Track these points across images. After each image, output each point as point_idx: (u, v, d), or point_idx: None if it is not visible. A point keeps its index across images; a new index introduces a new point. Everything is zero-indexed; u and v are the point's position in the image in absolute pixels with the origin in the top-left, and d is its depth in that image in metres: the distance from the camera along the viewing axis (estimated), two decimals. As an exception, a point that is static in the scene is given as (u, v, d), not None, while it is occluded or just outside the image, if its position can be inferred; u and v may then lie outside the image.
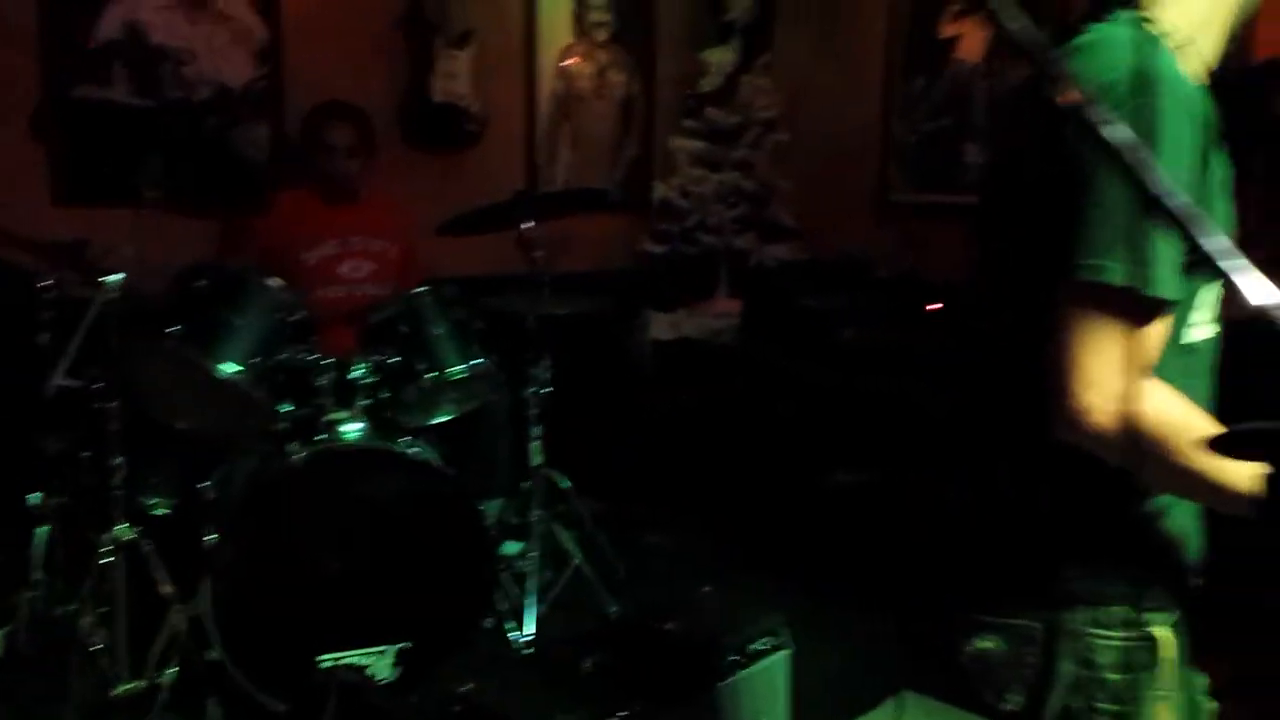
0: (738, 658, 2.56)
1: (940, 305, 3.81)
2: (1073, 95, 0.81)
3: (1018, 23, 0.86)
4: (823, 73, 5.42)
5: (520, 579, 3.36)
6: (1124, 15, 1.43)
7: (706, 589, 2.91)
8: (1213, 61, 1.50)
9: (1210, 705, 1.61)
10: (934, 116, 4.83)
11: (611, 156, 5.23)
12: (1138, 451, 1.29)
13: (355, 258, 3.73)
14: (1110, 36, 1.42)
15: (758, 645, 2.59)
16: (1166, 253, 1.29)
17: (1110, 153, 1.04)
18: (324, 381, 3.01)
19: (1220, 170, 1.40)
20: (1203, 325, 1.46)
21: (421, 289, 3.15)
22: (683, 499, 4.46)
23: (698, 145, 5.06)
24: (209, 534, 2.94)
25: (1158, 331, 1.32)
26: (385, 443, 3.01)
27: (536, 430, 3.47)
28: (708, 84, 5.15)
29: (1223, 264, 0.75)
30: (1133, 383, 1.26)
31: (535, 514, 3.39)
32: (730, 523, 4.17)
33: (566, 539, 3.53)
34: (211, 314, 2.87)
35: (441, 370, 3.07)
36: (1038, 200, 1.39)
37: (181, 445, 3.26)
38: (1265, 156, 3.86)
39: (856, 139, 5.12)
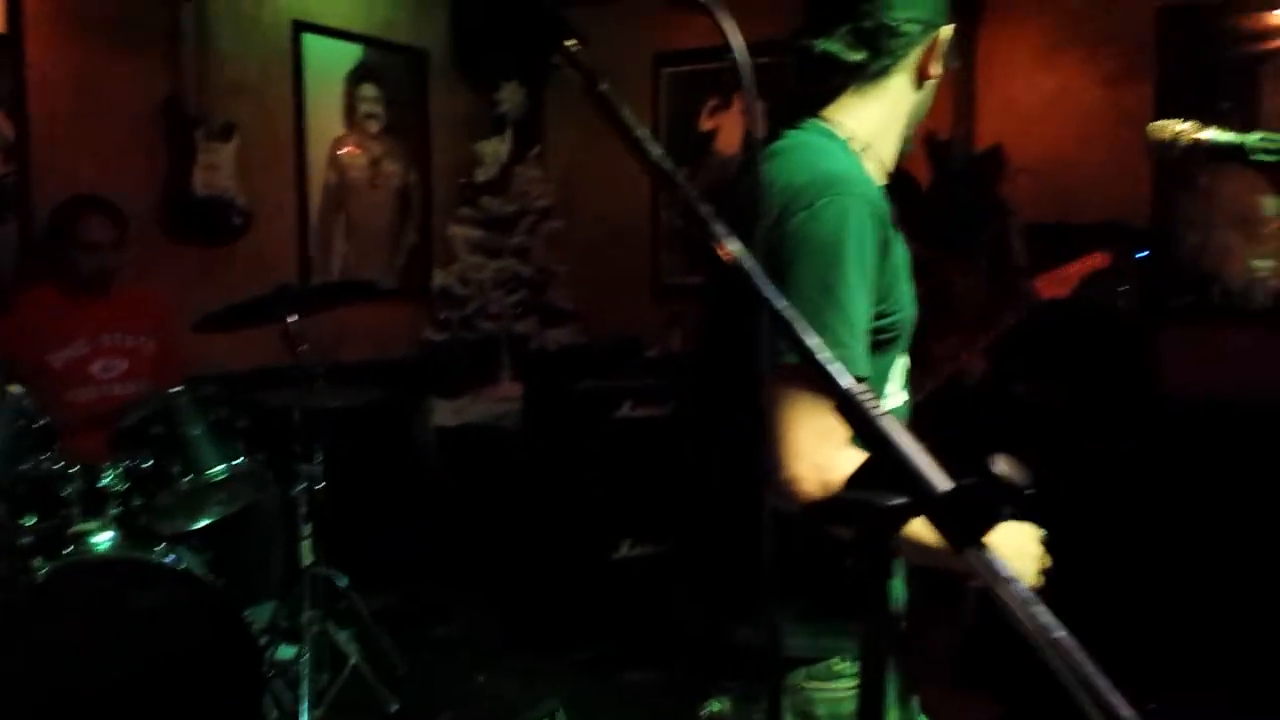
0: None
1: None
2: (726, 252, 0.89)
3: (657, 151, 0.93)
4: (593, 163, 5.59)
5: (295, 684, 3.22)
6: (813, 123, 1.58)
7: (481, 678, 2.87)
8: (892, 162, 1.65)
9: None
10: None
11: (390, 245, 5.21)
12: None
13: (107, 356, 3.56)
14: (802, 142, 1.56)
15: (536, 730, 2.58)
16: (858, 333, 1.41)
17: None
18: (70, 490, 2.85)
19: (901, 254, 1.54)
20: (896, 395, 1.59)
21: (176, 388, 3.04)
22: (472, 586, 4.41)
23: (475, 233, 5.12)
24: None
25: None
26: (139, 552, 2.86)
27: (307, 529, 3.37)
28: (483, 174, 5.23)
29: (820, 359, 0.83)
30: (835, 452, 1.36)
31: (307, 615, 3.28)
32: (519, 606, 4.15)
33: (343, 639, 3.42)
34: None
35: (199, 472, 2.96)
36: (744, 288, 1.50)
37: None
38: (990, 229, 4.23)
39: (629, 225, 5.30)
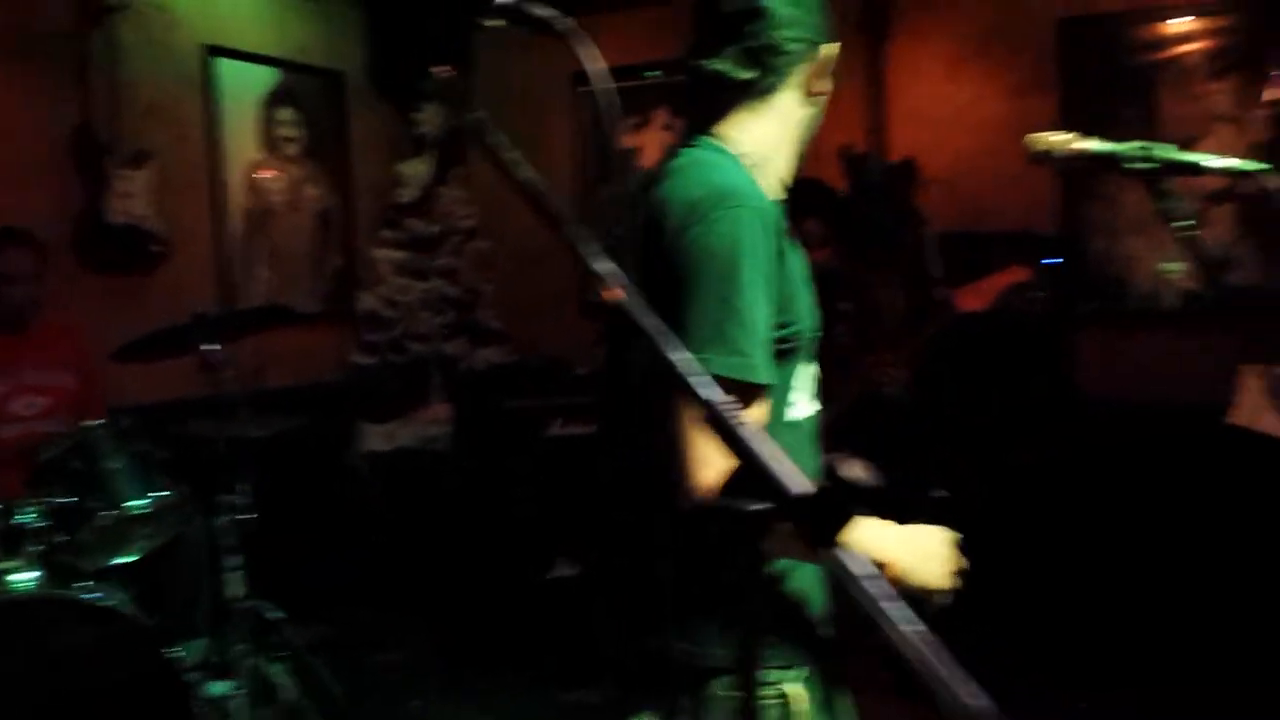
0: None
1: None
2: (612, 294, 0.92)
3: (527, 173, 0.96)
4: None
5: (227, 720, 3.17)
6: (706, 140, 1.62)
7: (416, 704, 2.86)
8: (785, 176, 1.70)
9: None
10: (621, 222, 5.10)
11: (313, 269, 5.16)
12: None
13: (28, 394, 3.47)
14: (696, 159, 1.60)
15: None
16: (759, 342, 1.45)
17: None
18: (-13, 531, 2.77)
19: (797, 265, 1.58)
20: (803, 404, 1.63)
21: (95, 422, 2.98)
22: (410, 612, 4.37)
23: (400, 255, 5.09)
24: None
25: (759, 412, 1.47)
26: (61, 590, 2.80)
27: (235, 561, 3.32)
28: (406, 195, 5.21)
29: (686, 373, 0.86)
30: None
31: (238, 649, 3.23)
32: (456, 629, 4.12)
33: (276, 672, 3.37)
34: None
35: (121, 506, 2.90)
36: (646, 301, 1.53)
37: None
38: (905, 240, 4.32)
39: (555, 243, 5.29)
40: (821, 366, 1.71)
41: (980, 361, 3.98)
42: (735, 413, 0.87)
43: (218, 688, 3.35)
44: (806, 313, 1.59)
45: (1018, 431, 3.86)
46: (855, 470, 0.78)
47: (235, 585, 3.30)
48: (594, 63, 1.04)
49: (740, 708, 1.50)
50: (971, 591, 3.84)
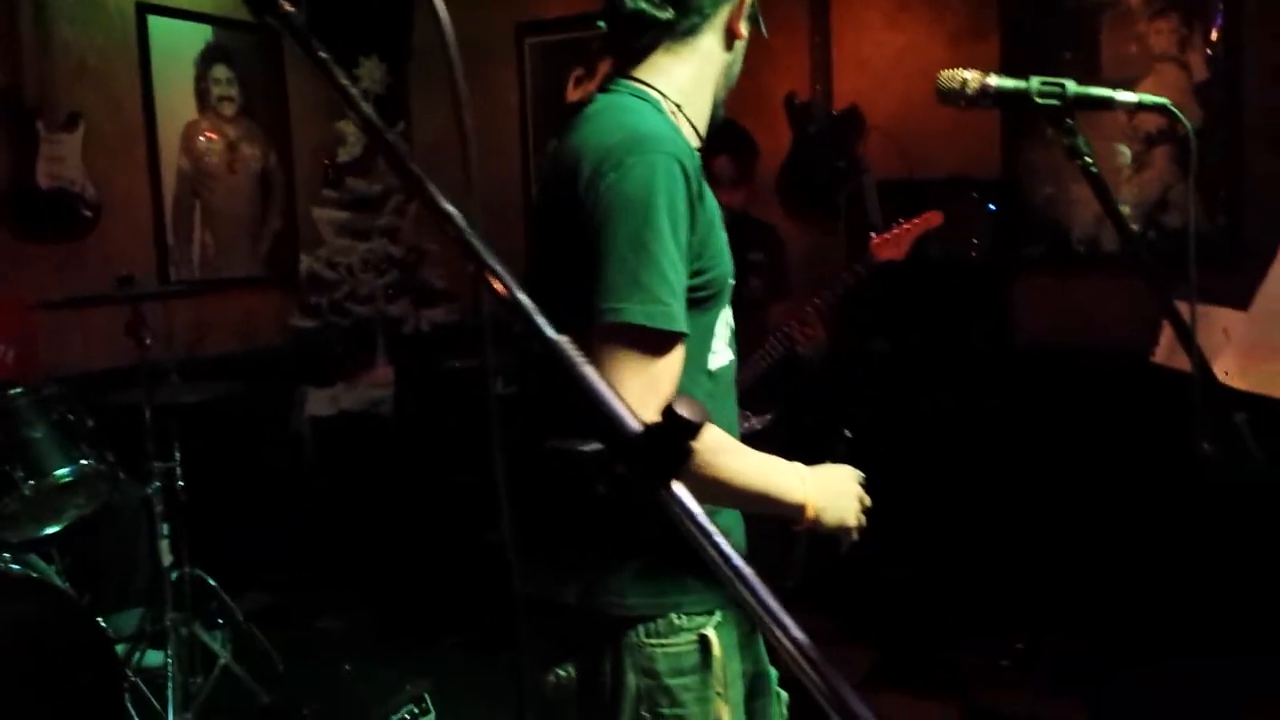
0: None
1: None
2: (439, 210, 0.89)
3: (367, 110, 0.92)
4: (457, 139, 5.52)
5: (163, 689, 3.15)
6: (624, 84, 1.59)
7: (347, 667, 2.84)
8: (705, 122, 1.66)
9: (783, 695, 1.76)
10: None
11: (253, 232, 5.07)
12: None
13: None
14: (611, 104, 1.57)
15: (402, 714, 2.56)
16: (676, 290, 1.42)
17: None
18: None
19: (713, 210, 1.56)
20: (722, 353, 1.61)
21: (15, 390, 2.92)
22: (353, 577, 4.35)
23: (341, 215, 5.01)
24: None
25: (676, 360, 1.44)
26: (-17, 563, 2.75)
27: (165, 528, 3.28)
28: (346, 154, 5.11)
29: (529, 310, 0.84)
30: (662, 403, 1.37)
31: (171, 618, 3.20)
32: (399, 594, 4.10)
33: (211, 640, 3.34)
34: None
35: (44, 476, 2.85)
36: (563, 251, 1.50)
37: None
38: (848, 189, 4.29)
39: (501, 199, 5.24)
40: (735, 318, 1.68)
41: (913, 308, 3.96)
42: (576, 351, 0.84)
43: (153, 657, 3.33)
44: (724, 258, 1.56)
45: (951, 377, 3.86)
46: (685, 409, 0.75)
47: (165, 553, 3.26)
48: (442, 11, 0.99)
49: (657, 654, 1.50)
50: (905, 534, 3.86)
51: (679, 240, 1.43)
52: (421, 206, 0.88)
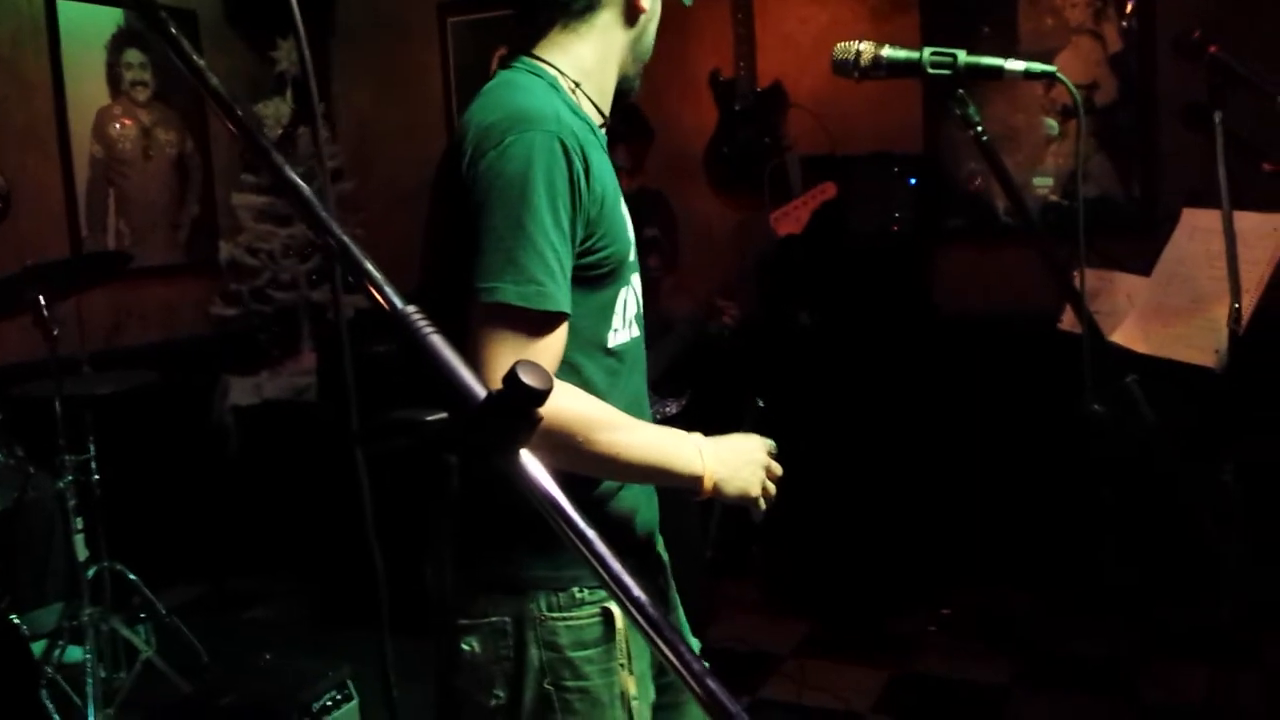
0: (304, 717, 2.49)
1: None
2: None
3: (214, 81, 0.89)
4: (385, 119, 5.44)
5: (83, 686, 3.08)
6: (522, 61, 1.57)
7: (267, 657, 2.80)
8: (607, 99, 1.65)
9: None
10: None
11: (170, 219, 4.96)
12: (549, 447, 1.39)
13: None
14: (503, 81, 1.55)
15: (324, 701, 2.53)
16: (555, 270, 1.40)
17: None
18: None
19: (611, 188, 1.54)
20: (625, 331, 1.60)
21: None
22: (283, 568, 4.30)
23: (261, 200, 4.91)
24: None
25: (557, 340, 1.43)
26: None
27: (79, 522, 3.20)
28: (266, 136, 5.02)
29: (378, 283, 0.82)
30: None
31: (89, 613, 3.13)
32: (329, 583, 4.06)
33: (133, 634, 3.28)
34: None
35: (-53, 474, 2.77)
36: (450, 229, 1.48)
37: None
38: (771, 166, 4.30)
39: (426, 181, 5.16)
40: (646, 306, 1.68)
41: (836, 281, 3.99)
42: (422, 321, 0.83)
43: (74, 653, 3.26)
44: (622, 235, 1.55)
45: (874, 348, 3.90)
46: (529, 377, 0.74)
47: (80, 548, 3.20)
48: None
49: (559, 627, 1.49)
50: (828, 504, 3.89)
51: (559, 219, 1.41)
52: (271, 181, 0.86)
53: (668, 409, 3.13)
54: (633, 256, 1.61)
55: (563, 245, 1.42)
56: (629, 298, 1.61)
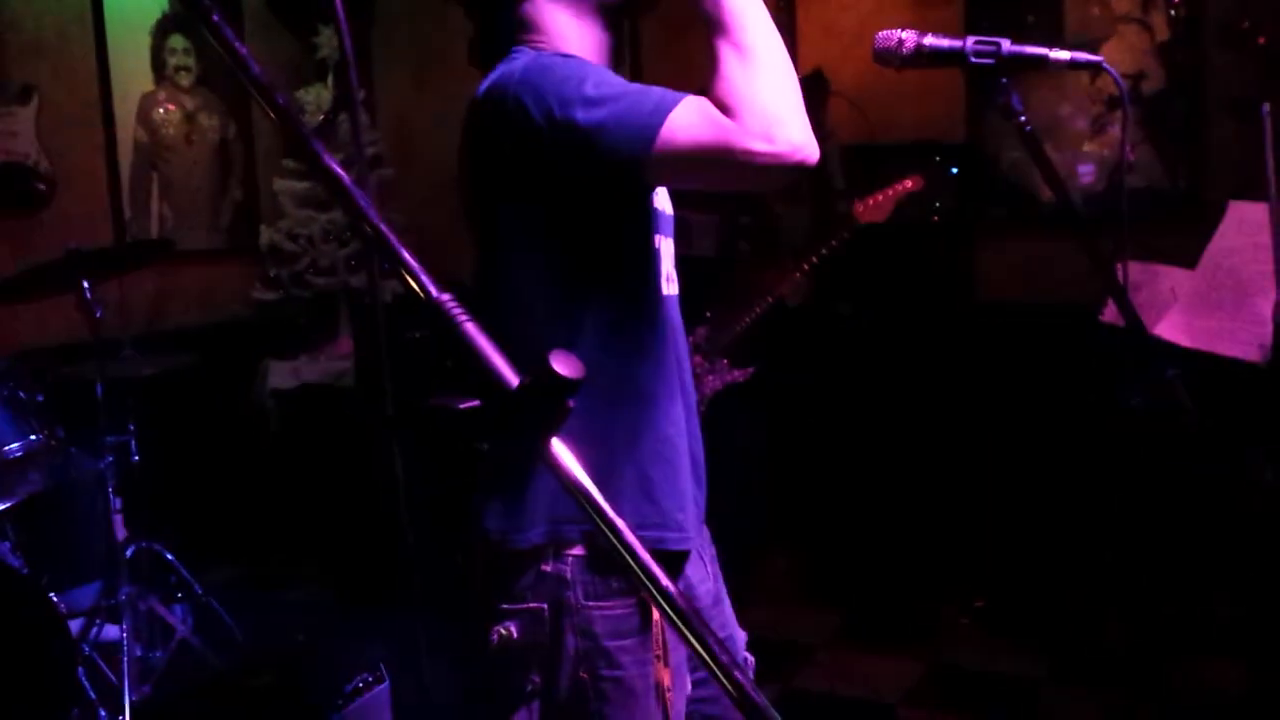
0: (338, 700, 2.51)
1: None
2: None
3: (256, 69, 0.90)
4: (423, 107, 5.46)
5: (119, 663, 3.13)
6: (525, 44, 1.55)
7: (300, 638, 2.83)
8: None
9: (750, 659, 1.75)
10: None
11: (212, 204, 5.01)
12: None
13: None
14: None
15: (355, 684, 2.55)
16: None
17: None
18: None
19: None
20: (673, 283, 1.60)
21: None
22: (318, 550, 4.33)
23: (302, 186, 4.94)
24: None
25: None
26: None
27: (119, 503, 3.25)
28: (308, 123, 5.05)
29: (414, 270, 0.83)
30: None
31: (126, 592, 3.18)
32: (363, 566, 4.09)
33: (169, 613, 3.33)
34: None
35: (-9, 452, 2.81)
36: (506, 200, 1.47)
37: None
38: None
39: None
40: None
41: (876, 271, 3.95)
42: (457, 309, 0.83)
43: (110, 632, 3.31)
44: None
45: (915, 339, 3.86)
46: (562, 365, 0.74)
47: (119, 527, 3.24)
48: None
49: (596, 616, 1.49)
50: (863, 493, 3.83)
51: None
52: (309, 168, 0.86)
53: (732, 376, 3.15)
54: (669, 211, 1.60)
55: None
56: (665, 250, 1.59)
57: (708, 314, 3.12)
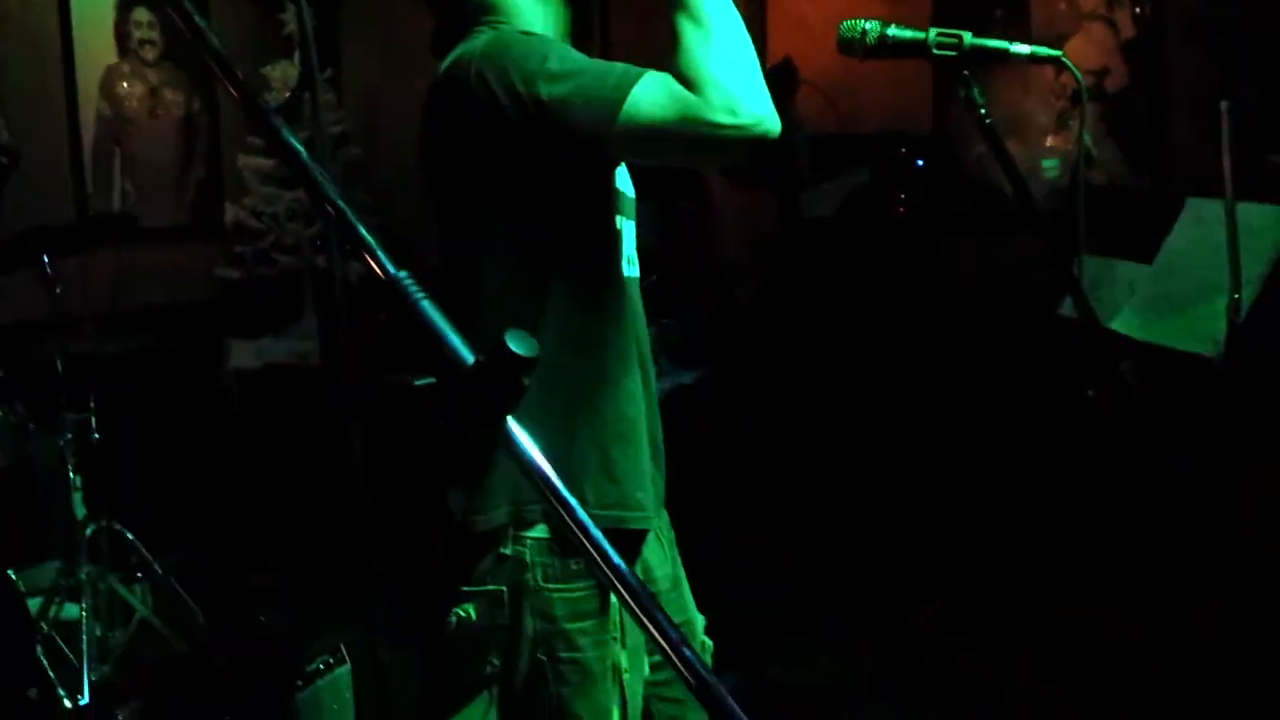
0: (298, 681, 2.51)
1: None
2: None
3: (214, 43, 0.90)
4: (393, 85, 5.42)
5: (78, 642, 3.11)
6: (485, 26, 1.56)
7: (262, 619, 2.82)
8: None
9: (708, 644, 1.77)
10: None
11: (176, 180, 4.96)
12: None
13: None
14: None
15: (315, 665, 2.55)
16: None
17: None
18: None
19: None
20: (632, 267, 1.61)
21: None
22: (285, 530, 4.31)
23: (268, 163, 4.90)
24: None
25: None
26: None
27: (78, 481, 3.22)
28: (272, 100, 4.98)
29: (372, 248, 0.83)
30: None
31: (85, 571, 3.15)
32: (330, 546, 4.07)
33: (130, 594, 3.31)
34: None
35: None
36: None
37: None
38: (780, 145, 4.28)
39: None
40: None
41: (841, 264, 3.98)
42: (414, 287, 0.82)
43: (70, 611, 3.29)
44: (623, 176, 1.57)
45: (879, 332, 3.89)
46: (517, 344, 0.75)
47: (78, 506, 3.22)
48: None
49: (555, 599, 1.50)
50: (827, 487, 3.86)
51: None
52: (269, 145, 0.86)
53: (682, 379, 3.15)
54: (631, 193, 1.61)
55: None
56: (627, 231, 1.60)
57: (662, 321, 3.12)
